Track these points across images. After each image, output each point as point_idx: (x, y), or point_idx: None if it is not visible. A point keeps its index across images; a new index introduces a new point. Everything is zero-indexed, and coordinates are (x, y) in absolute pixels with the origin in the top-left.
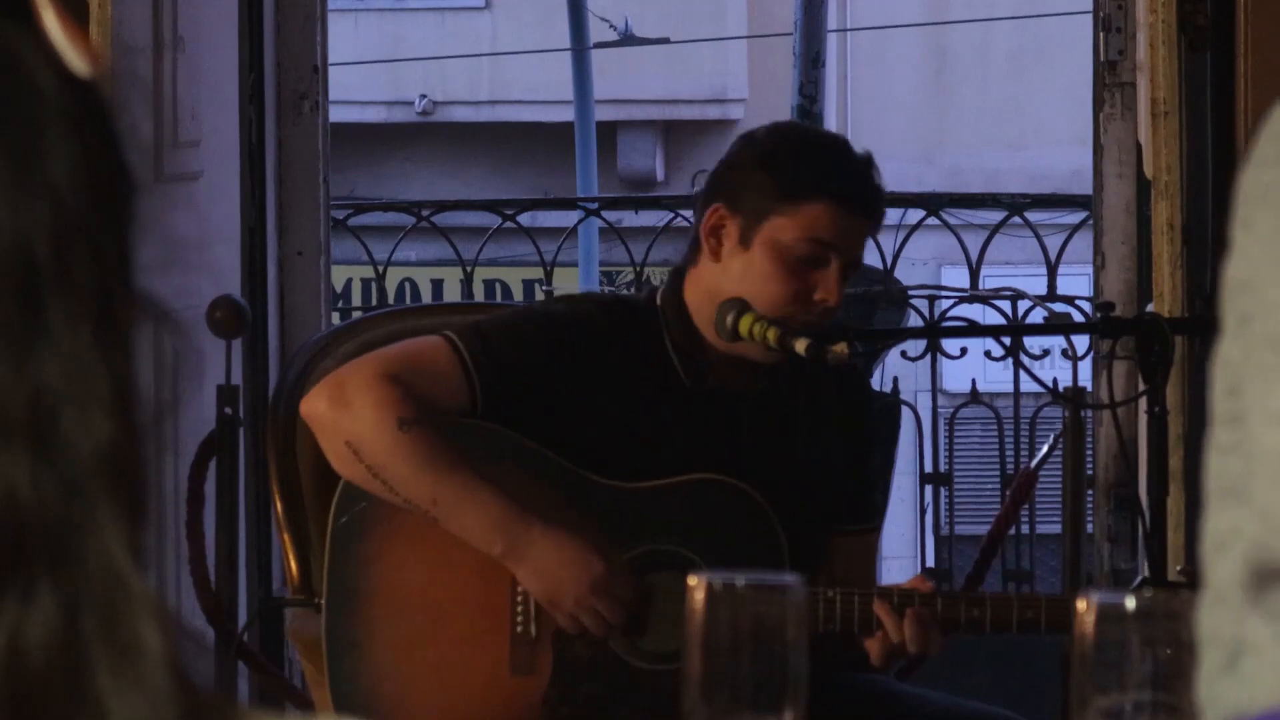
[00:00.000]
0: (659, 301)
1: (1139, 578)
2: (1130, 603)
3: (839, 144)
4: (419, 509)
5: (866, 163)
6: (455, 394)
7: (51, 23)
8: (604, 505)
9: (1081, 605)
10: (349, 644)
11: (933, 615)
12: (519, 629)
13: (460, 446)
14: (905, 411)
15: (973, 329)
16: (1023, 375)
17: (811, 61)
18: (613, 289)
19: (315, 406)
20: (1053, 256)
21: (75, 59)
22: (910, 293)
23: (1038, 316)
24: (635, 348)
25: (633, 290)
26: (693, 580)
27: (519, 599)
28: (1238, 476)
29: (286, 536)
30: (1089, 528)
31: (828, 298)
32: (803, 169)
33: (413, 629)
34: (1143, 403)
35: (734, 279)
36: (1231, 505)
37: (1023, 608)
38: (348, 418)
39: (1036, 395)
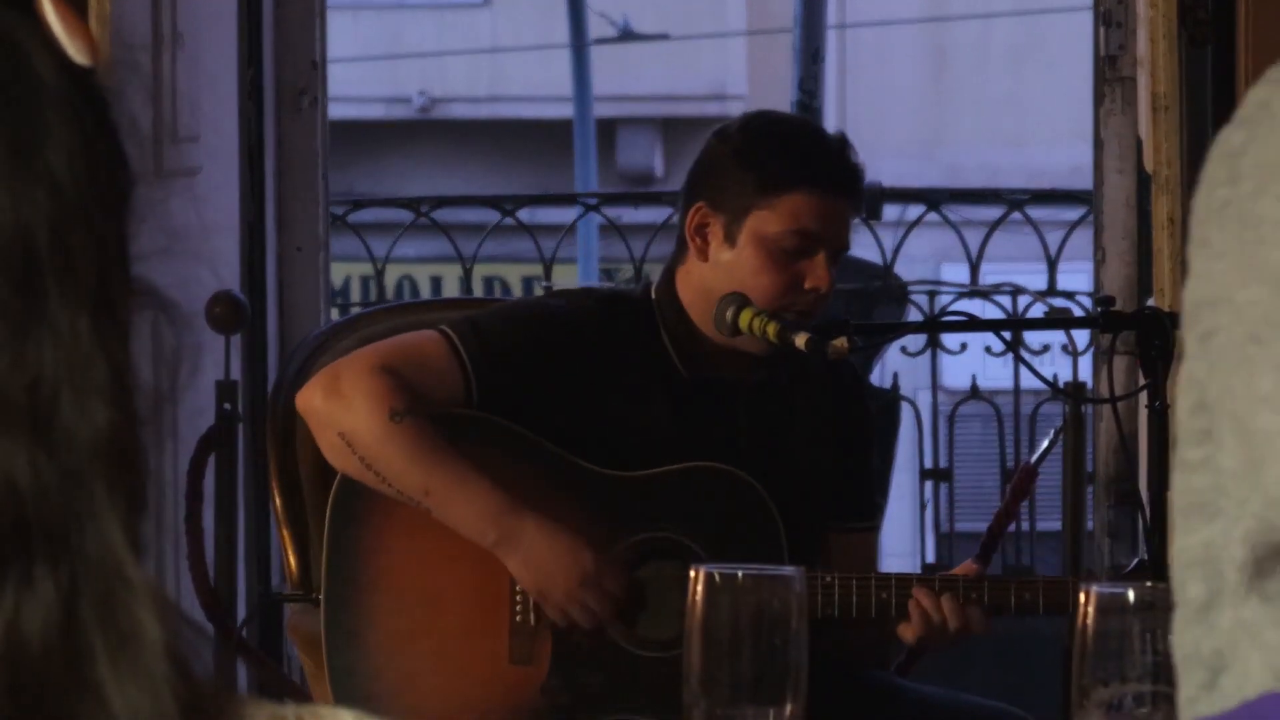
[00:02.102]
0: (654, 295)
1: (1135, 559)
2: (1131, 595)
3: (812, 130)
4: (412, 500)
5: (841, 144)
6: (450, 387)
7: (51, 12)
8: (602, 493)
9: (1082, 598)
10: (348, 636)
11: (978, 597)
12: (518, 618)
13: (455, 437)
14: (905, 407)
15: (972, 323)
16: (1023, 372)
17: (811, 57)
18: (612, 285)
19: (310, 399)
20: (1053, 252)
21: (75, 48)
22: (910, 288)
23: (1038, 312)
24: (631, 340)
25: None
26: (693, 570)
27: (517, 589)
28: (1206, 492)
29: (285, 532)
30: (1089, 523)
31: (818, 285)
32: (779, 161)
33: (412, 620)
34: (1143, 397)
35: (723, 276)
36: (1200, 522)
37: (1062, 590)
38: (341, 409)
39: (1036, 392)
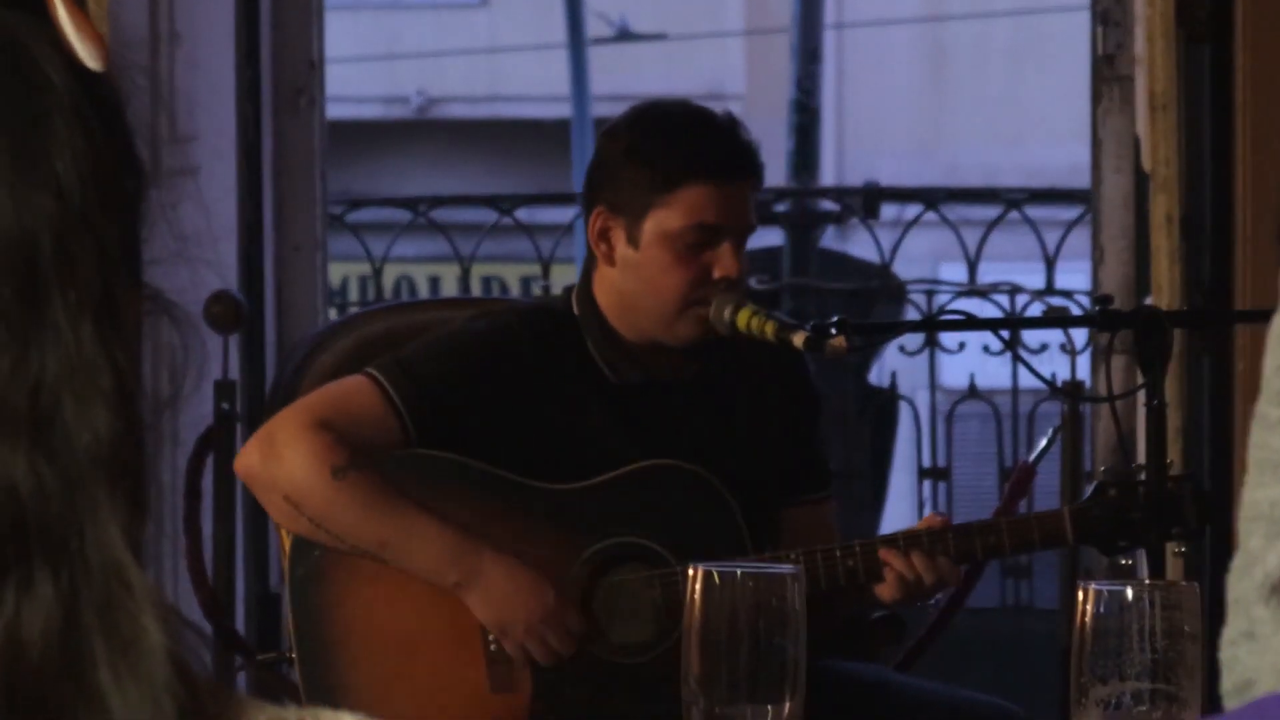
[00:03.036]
0: (574, 303)
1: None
2: (1129, 593)
3: (699, 117)
4: (368, 554)
5: (731, 124)
6: (386, 433)
7: (63, 14)
8: (554, 508)
9: (1081, 595)
10: (328, 693)
11: (944, 548)
12: (493, 648)
13: (401, 482)
14: (903, 407)
15: (970, 321)
16: (1021, 371)
17: (809, 56)
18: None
19: (249, 464)
20: (1050, 251)
21: (86, 51)
22: (908, 287)
23: (1036, 311)
24: (558, 354)
25: None
26: (691, 569)
27: None
28: None
29: (283, 531)
30: None
31: (727, 273)
32: (669, 155)
33: (388, 667)
34: (1141, 396)
35: (632, 278)
36: (1272, 479)
37: (1026, 528)
38: (282, 472)
39: (1034, 391)
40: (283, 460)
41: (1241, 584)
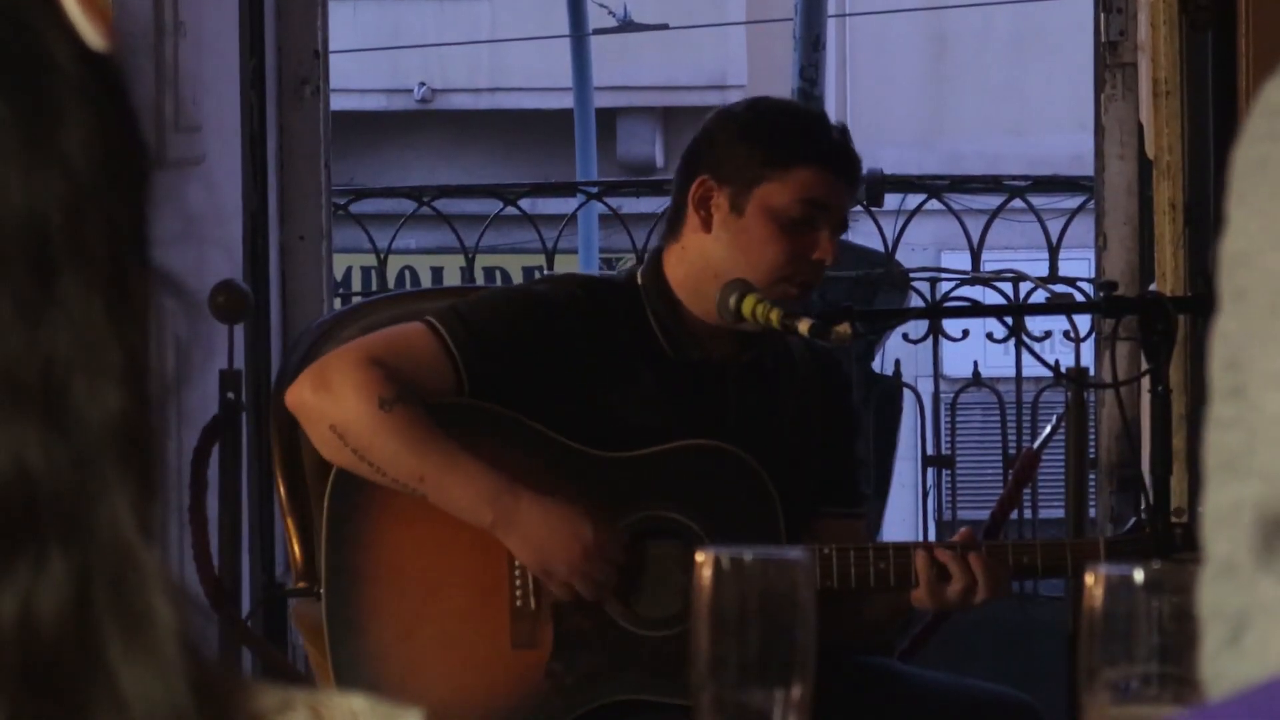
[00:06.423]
0: (640, 279)
1: (1133, 519)
2: (1138, 575)
3: (817, 113)
4: (407, 487)
5: (843, 131)
6: (440, 377)
7: None
8: (598, 474)
9: (1090, 579)
10: (350, 627)
11: (1000, 559)
12: (518, 603)
13: (446, 430)
14: (907, 395)
15: (975, 309)
16: (1025, 359)
17: (812, 45)
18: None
19: (299, 394)
20: (1054, 239)
21: (91, 34)
22: (911, 275)
23: (1039, 299)
24: (618, 322)
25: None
26: (699, 554)
27: (517, 573)
28: (1237, 450)
29: (289, 520)
30: (1092, 510)
31: (824, 256)
32: (789, 136)
33: (412, 608)
34: (1145, 382)
35: (727, 245)
36: (1231, 479)
37: (1059, 552)
38: (330, 402)
39: (1038, 379)
40: (332, 390)
41: (1215, 591)
